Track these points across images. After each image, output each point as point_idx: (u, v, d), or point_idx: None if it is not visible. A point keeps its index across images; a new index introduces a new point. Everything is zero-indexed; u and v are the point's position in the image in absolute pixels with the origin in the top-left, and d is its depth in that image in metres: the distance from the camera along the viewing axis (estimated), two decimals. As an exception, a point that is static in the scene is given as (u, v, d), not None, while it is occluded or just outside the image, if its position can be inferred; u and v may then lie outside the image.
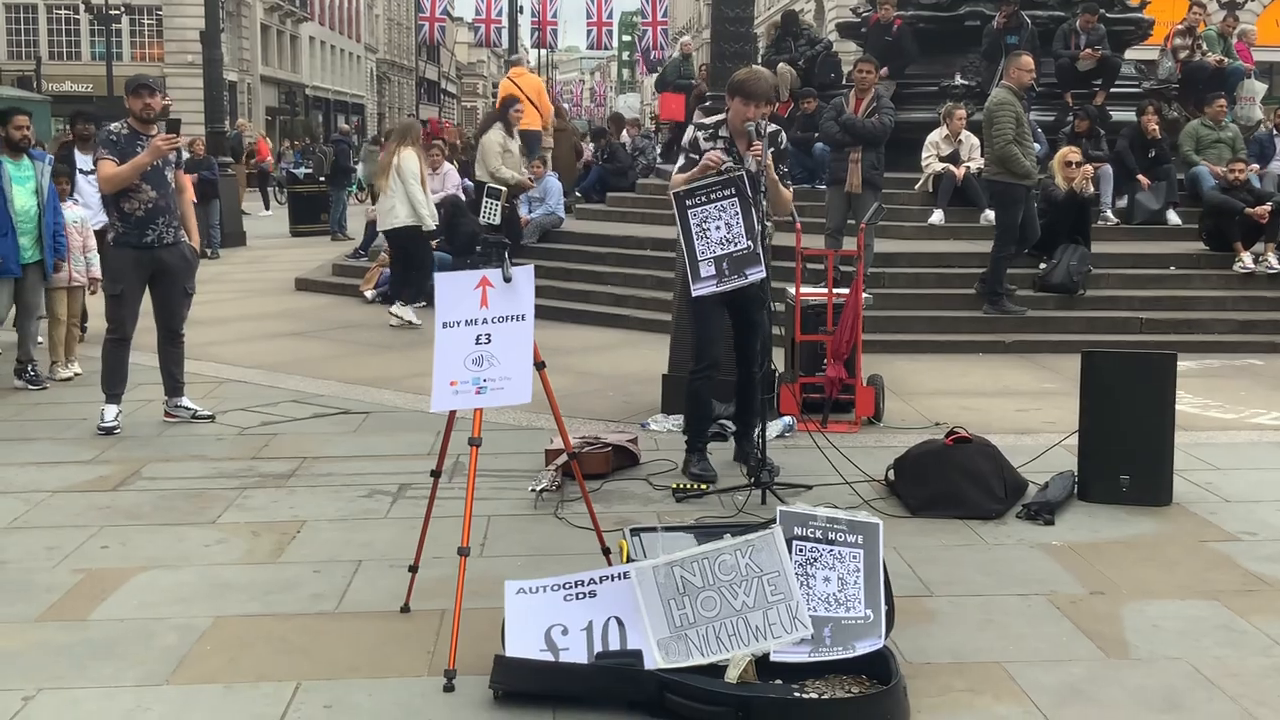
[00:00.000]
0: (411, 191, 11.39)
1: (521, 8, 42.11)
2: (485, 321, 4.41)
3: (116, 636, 4.46)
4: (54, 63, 48.01)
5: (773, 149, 6.23)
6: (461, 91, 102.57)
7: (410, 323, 11.45)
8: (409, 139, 11.84)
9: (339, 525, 5.75)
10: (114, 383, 7.62)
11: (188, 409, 7.81)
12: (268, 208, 27.80)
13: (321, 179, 23.01)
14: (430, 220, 11.62)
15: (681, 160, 6.40)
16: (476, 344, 4.39)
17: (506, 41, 40.74)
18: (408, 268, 11.85)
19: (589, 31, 48.22)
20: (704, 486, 6.22)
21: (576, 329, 11.27)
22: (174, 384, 7.85)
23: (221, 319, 12.22)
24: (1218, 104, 13.21)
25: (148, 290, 7.64)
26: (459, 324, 4.41)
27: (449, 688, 3.98)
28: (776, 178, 6.17)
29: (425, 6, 46.07)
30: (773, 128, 6.37)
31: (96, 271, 9.58)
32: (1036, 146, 10.97)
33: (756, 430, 6.20)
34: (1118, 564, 5.25)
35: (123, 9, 43.19)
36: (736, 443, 6.70)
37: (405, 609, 4.66)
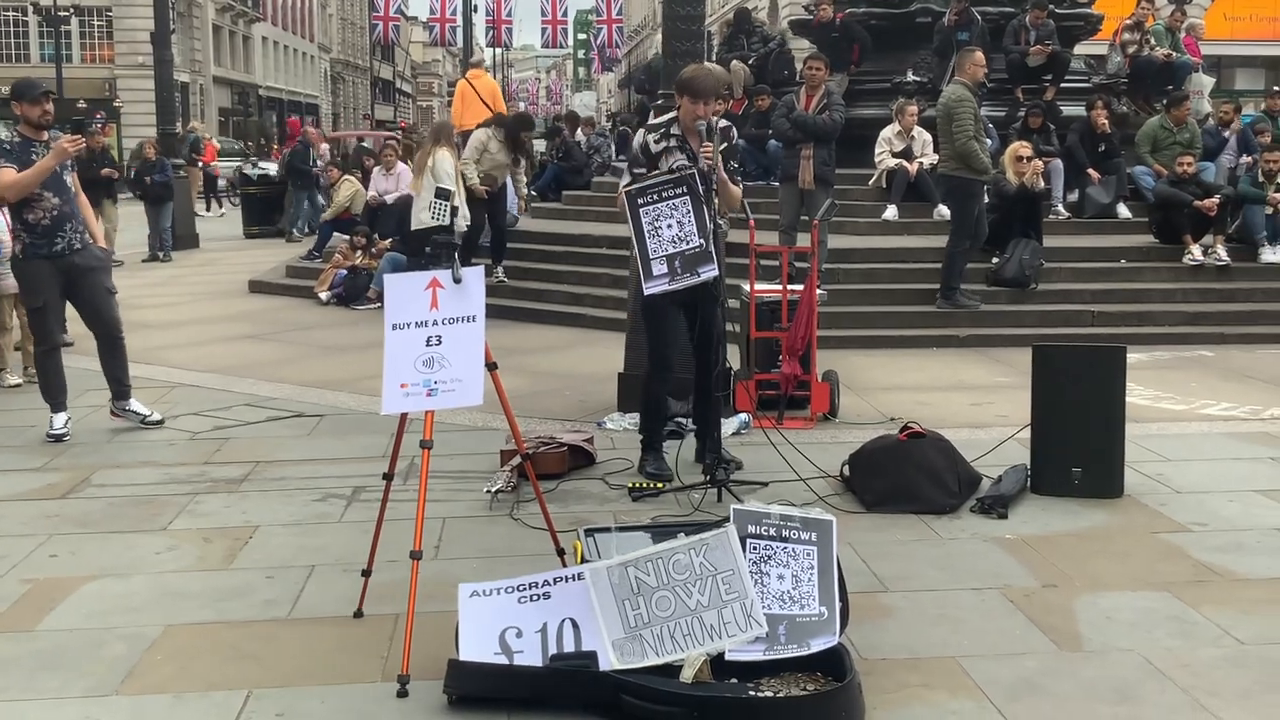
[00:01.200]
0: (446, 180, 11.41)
1: (476, 6, 41.97)
2: (436, 323, 4.38)
3: (65, 647, 4.40)
4: (1, 65, 47.35)
5: (724, 144, 6.23)
6: (417, 91, 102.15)
7: None
8: (443, 139, 11.87)
9: (292, 530, 5.70)
10: (54, 392, 7.51)
11: (136, 413, 7.68)
12: (208, 209, 27.51)
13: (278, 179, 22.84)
14: (463, 222, 11.63)
15: (627, 179, 6.31)
16: (427, 345, 4.35)
17: (461, 40, 40.58)
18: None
19: (544, 30, 48.16)
20: (660, 485, 6.21)
21: (533, 328, 11.25)
22: (120, 388, 7.72)
23: (174, 322, 12.11)
24: (1184, 107, 13.27)
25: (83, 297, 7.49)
26: (409, 325, 4.38)
27: (402, 693, 3.95)
28: (725, 176, 6.17)
29: (379, 5, 45.88)
30: (724, 123, 6.37)
31: None
32: (989, 142, 11.04)
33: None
34: (1070, 556, 5.29)
35: (72, 10, 42.69)
36: (698, 441, 6.70)
37: (359, 614, 4.62)
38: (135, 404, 7.73)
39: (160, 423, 7.66)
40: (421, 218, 11.44)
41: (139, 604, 4.80)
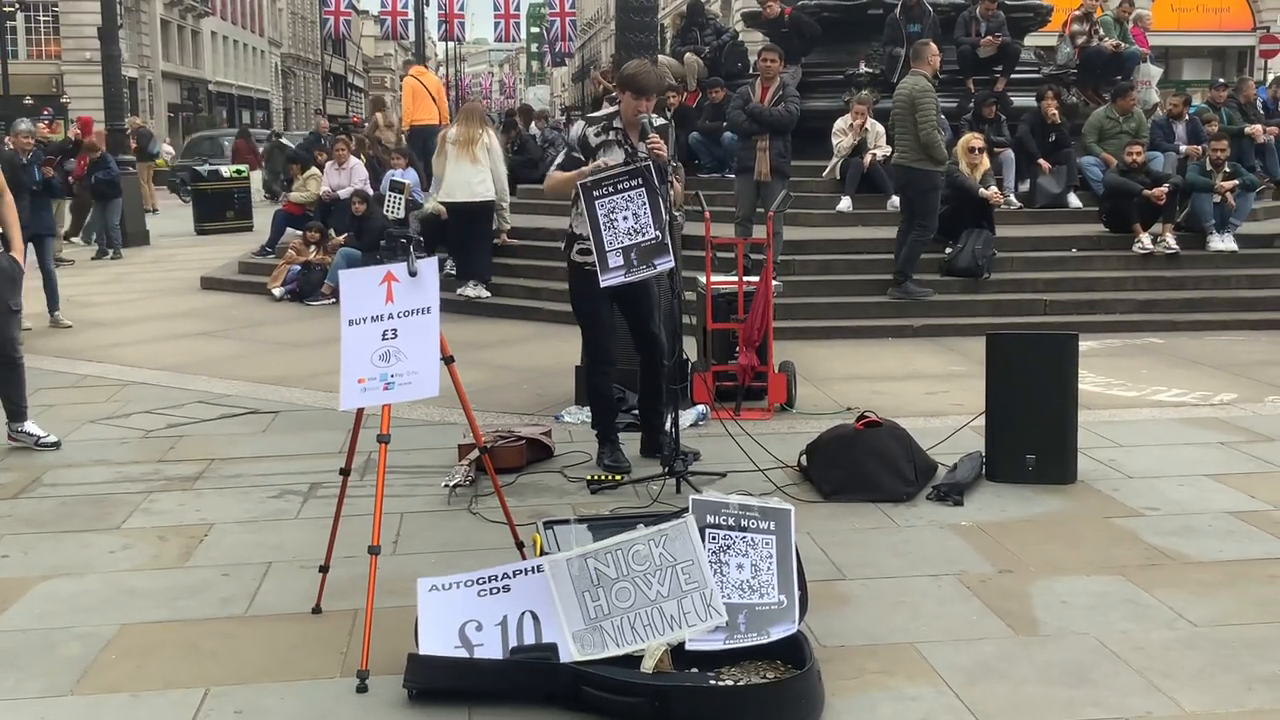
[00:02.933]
0: (499, 170, 11.94)
1: (428, 0, 41.76)
2: (391, 317, 4.36)
3: (18, 648, 4.35)
4: (-55, 61, 46.65)
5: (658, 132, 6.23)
6: (369, 85, 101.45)
7: (480, 298, 11.80)
8: (487, 121, 12.42)
9: (248, 527, 5.66)
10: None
11: (30, 435, 7.15)
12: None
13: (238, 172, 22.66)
14: (505, 203, 12.30)
15: (561, 157, 6.36)
16: (383, 339, 4.33)
17: (414, 34, 40.38)
18: (471, 248, 12.04)
19: (496, 24, 48.03)
20: (618, 477, 6.22)
21: (489, 322, 11.22)
22: (15, 409, 7.19)
23: (125, 320, 11.97)
24: (1130, 96, 13.41)
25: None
26: (365, 320, 4.36)
27: (362, 688, 3.93)
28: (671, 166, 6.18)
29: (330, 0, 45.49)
30: (660, 121, 6.33)
31: None
32: (945, 134, 11.12)
33: (668, 419, 6.20)
34: (1025, 542, 5.34)
35: (17, 6, 42.14)
36: (644, 434, 6.71)
37: (317, 610, 4.60)
38: (30, 426, 7.19)
39: (56, 445, 7.05)
40: (479, 189, 11.74)
41: (93, 603, 4.75)
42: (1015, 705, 3.85)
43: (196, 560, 5.23)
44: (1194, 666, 4.12)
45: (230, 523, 5.71)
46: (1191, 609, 4.59)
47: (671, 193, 6.28)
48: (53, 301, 11.46)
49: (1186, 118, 14.42)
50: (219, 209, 21.55)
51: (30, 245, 11.26)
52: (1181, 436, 7.14)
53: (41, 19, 47.86)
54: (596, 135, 6.26)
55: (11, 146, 11.86)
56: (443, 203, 11.92)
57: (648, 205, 5.85)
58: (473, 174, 11.68)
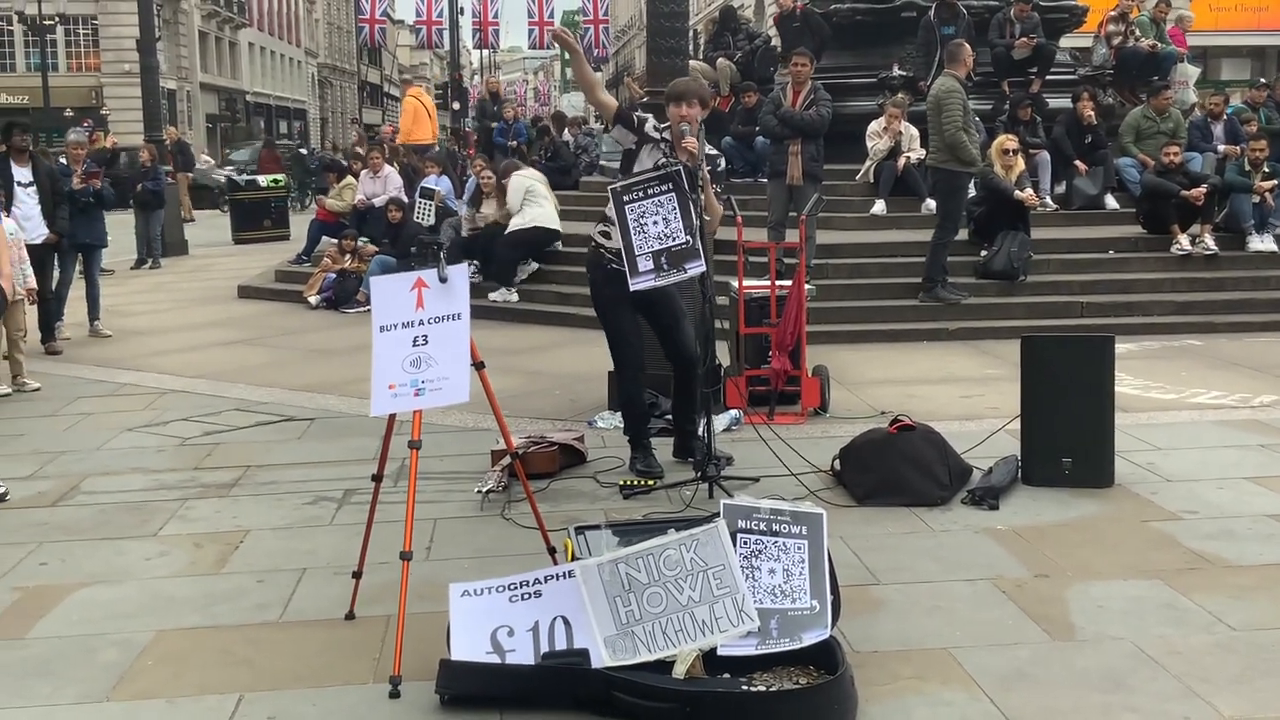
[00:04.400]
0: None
1: (462, 9, 41.94)
2: (422, 323, 4.38)
3: (55, 654, 4.39)
4: (-12, 75, 47.31)
5: (710, 168, 6.24)
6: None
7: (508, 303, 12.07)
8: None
9: (283, 534, 5.69)
10: None
11: None
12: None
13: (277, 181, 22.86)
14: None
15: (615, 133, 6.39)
16: (414, 346, 4.35)
17: (448, 43, 40.54)
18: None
19: (530, 31, 48.06)
20: (651, 482, 6.21)
21: (522, 328, 11.24)
22: None
23: (163, 329, 12.08)
24: (1164, 96, 13.29)
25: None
26: (395, 326, 4.38)
27: (395, 694, 3.94)
28: (710, 178, 6.16)
29: (365, 9, 45.71)
30: (712, 152, 6.40)
31: (32, 282, 9.45)
32: (978, 135, 11.05)
33: (701, 425, 6.19)
34: (1061, 546, 5.30)
35: (57, 19, 42.51)
36: (677, 438, 6.70)
37: (350, 616, 4.62)
38: None
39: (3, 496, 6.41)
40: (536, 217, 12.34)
41: (130, 610, 4.79)
42: (1051, 711, 3.82)
43: (232, 566, 5.27)
44: (1233, 671, 4.06)
45: (265, 529, 5.75)
46: (1230, 613, 4.53)
47: (713, 207, 6.25)
48: (93, 311, 11.57)
49: (1225, 118, 14.28)
50: (256, 218, 21.73)
51: (79, 254, 11.43)
52: (1221, 439, 7.06)
53: (81, 32, 48.39)
54: (654, 129, 6.30)
55: (64, 159, 11.99)
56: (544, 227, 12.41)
57: (678, 210, 5.84)
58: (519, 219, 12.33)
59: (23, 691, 4.09)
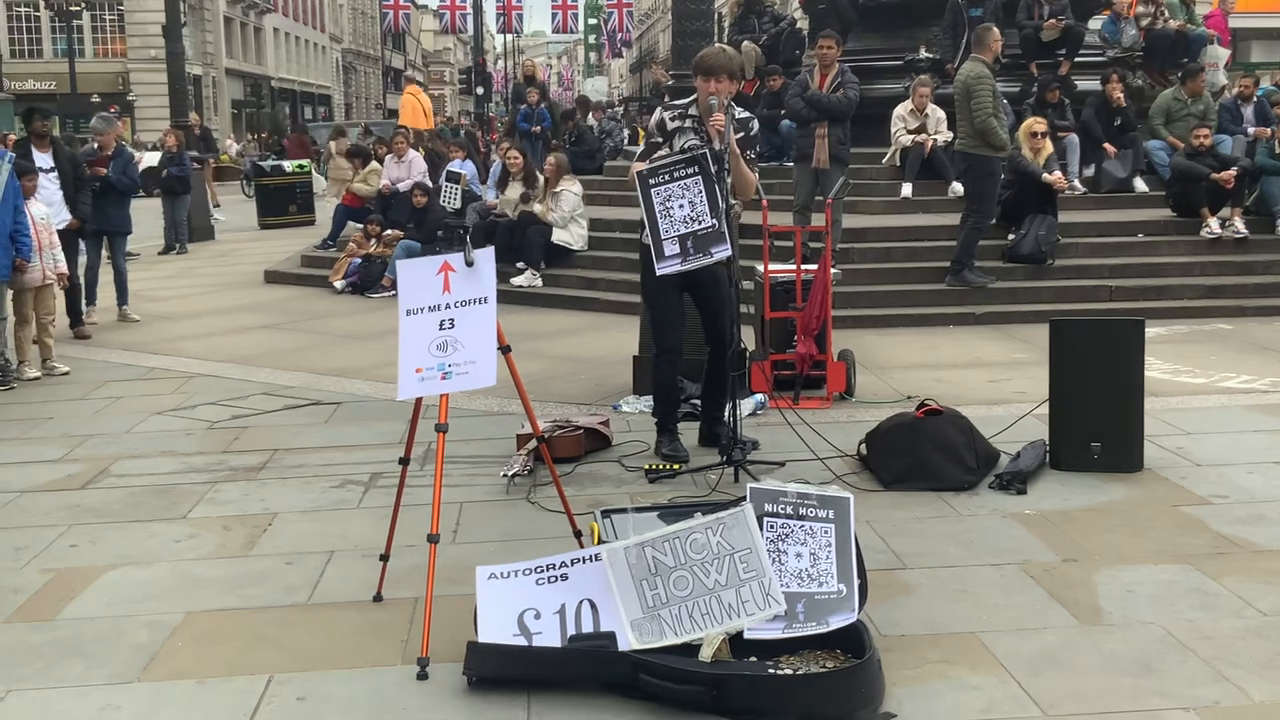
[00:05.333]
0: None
1: (486, -7, 41.92)
2: (448, 306, 4.38)
3: (86, 635, 4.42)
4: (15, 61, 47.53)
5: (741, 134, 6.21)
6: (429, 80, 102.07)
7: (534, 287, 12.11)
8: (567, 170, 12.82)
9: (311, 516, 5.72)
10: None
11: None
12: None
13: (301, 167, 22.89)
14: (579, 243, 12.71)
15: (642, 147, 6.40)
16: (440, 329, 4.35)
17: (472, 27, 40.56)
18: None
19: (554, 15, 48.06)
20: (676, 467, 6.21)
21: (546, 313, 11.25)
22: None
23: (191, 313, 12.14)
24: (1199, 79, 13.16)
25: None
26: (422, 310, 4.38)
27: (423, 676, 3.96)
28: (738, 151, 6.13)
29: (389, -6, 45.81)
30: (743, 114, 6.35)
31: (64, 267, 9.52)
32: (1006, 119, 10.97)
33: (726, 409, 6.18)
34: (1090, 531, 5.27)
35: (83, 5, 42.77)
36: (704, 424, 6.69)
37: (378, 598, 4.64)
38: None
39: None
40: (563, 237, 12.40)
41: (159, 591, 4.82)
42: (1079, 695, 3.80)
43: (260, 549, 5.30)
44: (1263, 656, 4.03)
45: (293, 512, 5.77)
46: (1261, 598, 4.50)
47: (746, 178, 6.22)
48: (121, 296, 11.65)
49: (1255, 100, 14.13)
50: (281, 204, 21.79)
51: (104, 240, 11.50)
52: (1251, 423, 7.00)
53: (107, 17, 48.64)
54: (672, 120, 6.31)
55: (98, 144, 12.02)
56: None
57: (704, 193, 5.82)
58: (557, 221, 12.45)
59: (54, 672, 4.12)
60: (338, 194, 16.76)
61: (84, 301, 11.23)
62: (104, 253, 11.75)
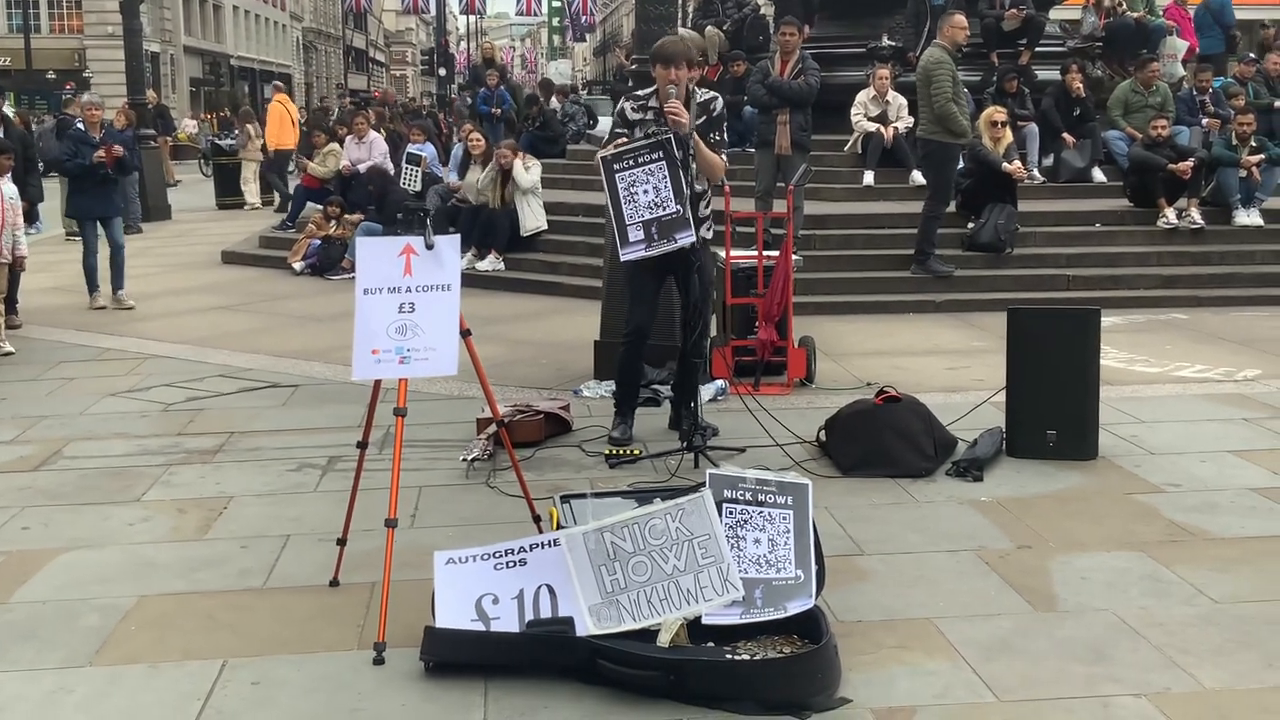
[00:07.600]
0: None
1: (449, -27, 41.66)
2: (409, 290, 4.34)
3: (38, 618, 4.38)
4: (-31, 36, 46.82)
5: (704, 116, 6.19)
6: (390, 60, 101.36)
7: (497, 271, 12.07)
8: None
9: (267, 500, 5.68)
10: None
11: None
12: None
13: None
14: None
15: (608, 137, 6.35)
16: (399, 312, 4.32)
17: (434, 8, 40.30)
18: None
19: (517, -3, 47.81)
20: (635, 451, 6.21)
21: (508, 296, 11.22)
22: None
23: (146, 294, 11.98)
24: (1151, 69, 13.26)
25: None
26: (381, 291, 4.34)
27: (379, 660, 3.94)
28: (700, 140, 6.12)
29: (350, -27, 45.44)
30: (707, 95, 6.33)
31: (24, 249, 9.38)
32: (967, 106, 11.00)
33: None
34: (1045, 518, 5.31)
35: (39, -21, 42.17)
36: (673, 409, 6.69)
37: (334, 583, 4.61)
38: None
39: None
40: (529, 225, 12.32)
41: (113, 575, 4.78)
42: (1033, 681, 3.83)
43: (215, 533, 5.25)
44: (1214, 643, 4.09)
45: (249, 496, 5.73)
46: (1212, 585, 4.56)
47: (711, 162, 6.20)
48: (117, 280, 11.17)
49: (1211, 91, 14.26)
50: (240, 184, 21.54)
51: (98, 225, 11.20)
52: (1204, 413, 7.08)
53: (64, -7, 47.97)
54: (634, 110, 6.26)
55: (83, 124, 11.73)
56: None
57: (668, 178, 5.81)
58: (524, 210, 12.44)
59: (6, 656, 4.08)
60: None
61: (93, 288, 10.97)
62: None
